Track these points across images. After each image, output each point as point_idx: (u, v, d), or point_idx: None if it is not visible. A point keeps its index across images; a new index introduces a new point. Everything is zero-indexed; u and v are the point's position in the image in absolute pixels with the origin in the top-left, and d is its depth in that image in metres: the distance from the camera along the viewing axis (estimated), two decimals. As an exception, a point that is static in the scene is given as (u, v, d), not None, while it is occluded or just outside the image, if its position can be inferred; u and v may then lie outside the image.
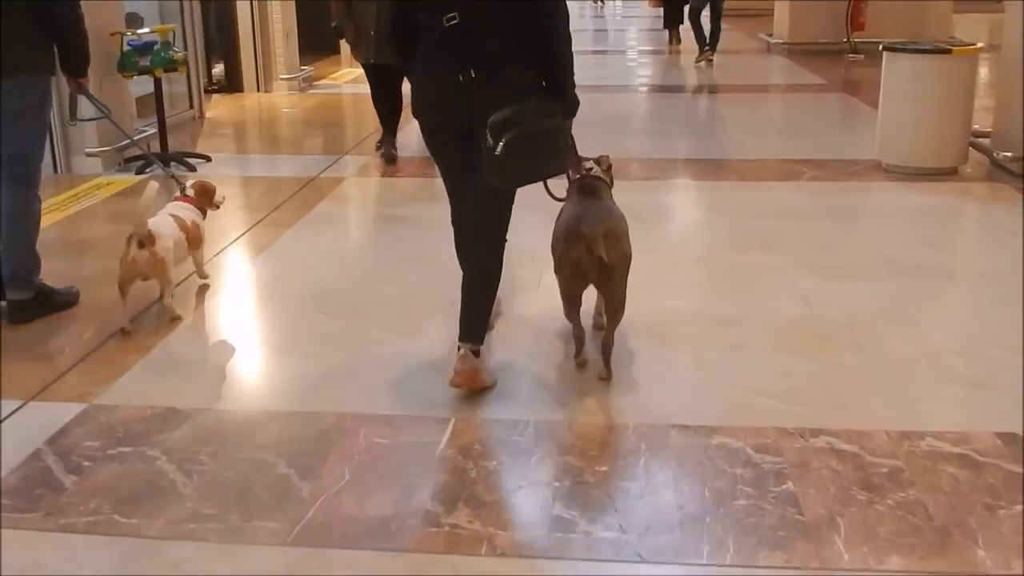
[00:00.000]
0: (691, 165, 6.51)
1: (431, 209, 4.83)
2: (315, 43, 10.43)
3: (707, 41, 11.60)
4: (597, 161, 3.44)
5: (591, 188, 3.33)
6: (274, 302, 4.09)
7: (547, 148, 3.02)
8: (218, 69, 9.88)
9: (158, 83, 6.41)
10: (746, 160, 6.52)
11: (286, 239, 4.85)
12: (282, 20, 9.87)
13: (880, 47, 6.41)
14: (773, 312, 3.74)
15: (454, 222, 3.37)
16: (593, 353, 3.30)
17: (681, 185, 6.15)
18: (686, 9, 12.19)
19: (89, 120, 5.33)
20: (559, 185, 3.33)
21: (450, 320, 3.19)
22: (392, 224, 5.20)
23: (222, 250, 4.65)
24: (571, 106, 3.11)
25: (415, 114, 3.19)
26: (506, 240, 3.18)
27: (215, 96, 9.50)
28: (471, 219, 3.20)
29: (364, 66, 6.57)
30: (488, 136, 2.85)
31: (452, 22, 2.92)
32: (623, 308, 3.17)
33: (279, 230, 4.98)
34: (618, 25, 20.08)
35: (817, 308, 3.77)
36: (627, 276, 3.13)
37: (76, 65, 3.81)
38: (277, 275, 4.42)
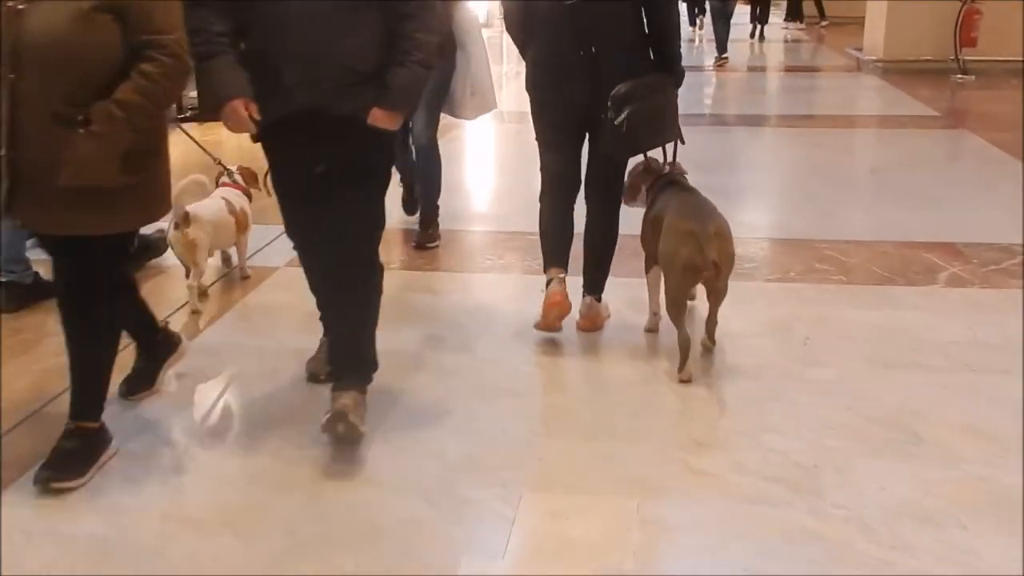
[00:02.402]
0: (772, 248, 4.60)
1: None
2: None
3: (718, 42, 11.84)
4: (670, 165, 3.53)
5: (682, 183, 3.44)
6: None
7: (663, 119, 3.30)
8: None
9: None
10: (850, 242, 4.59)
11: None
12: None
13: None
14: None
15: (545, 196, 3.53)
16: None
17: (759, 292, 4.24)
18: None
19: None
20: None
21: None
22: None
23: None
24: (679, 79, 3.35)
25: (530, 87, 3.40)
26: (621, 202, 3.50)
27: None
28: (568, 191, 3.47)
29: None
30: (610, 109, 3.11)
31: (573, 1, 3.13)
32: (725, 294, 3.25)
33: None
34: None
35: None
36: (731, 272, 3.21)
37: None
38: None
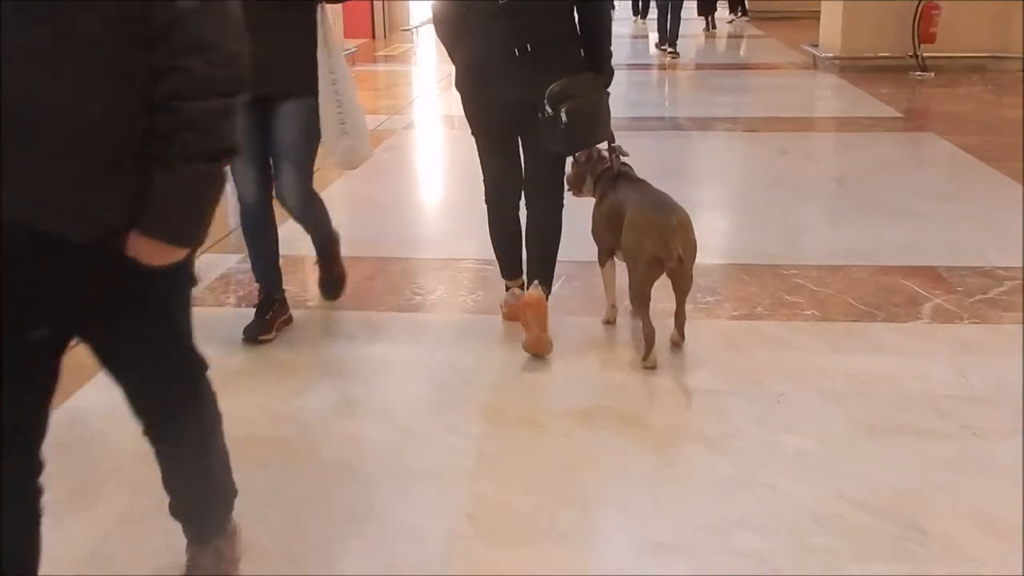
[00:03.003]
0: (735, 276, 4.12)
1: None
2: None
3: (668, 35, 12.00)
4: (610, 150, 3.47)
5: (633, 176, 3.45)
6: None
7: (599, 116, 3.25)
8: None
9: None
10: (821, 268, 4.12)
11: None
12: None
13: None
14: None
15: (490, 200, 3.50)
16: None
17: (724, 334, 3.76)
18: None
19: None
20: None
21: None
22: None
23: None
24: (608, 77, 3.29)
25: (462, 89, 3.32)
26: (563, 198, 3.43)
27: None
28: (512, 193, 3.44)
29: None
30: (547, 106, 3.06)
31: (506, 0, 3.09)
32: (691, 286, 3.27)
33: None
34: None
35: None
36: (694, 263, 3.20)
37: None
38: None
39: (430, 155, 7.54)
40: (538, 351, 3.26)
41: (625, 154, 3.51)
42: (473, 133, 3.42)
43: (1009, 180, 5.68)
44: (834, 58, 10.53)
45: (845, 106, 8.66)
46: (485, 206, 3.52)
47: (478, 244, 4.46)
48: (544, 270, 3.40)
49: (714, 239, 4.60)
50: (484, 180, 3.49)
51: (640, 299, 3.17)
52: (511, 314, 3.50)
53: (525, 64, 3.11)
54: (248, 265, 3.65)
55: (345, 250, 4.15)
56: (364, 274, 4.21)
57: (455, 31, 3.28)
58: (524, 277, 3.49)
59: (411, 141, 7.57)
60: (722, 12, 16.71)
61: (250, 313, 3.53)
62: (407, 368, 3.31)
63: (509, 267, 3.55)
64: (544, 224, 3.41)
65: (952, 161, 6.26)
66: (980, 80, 9.61)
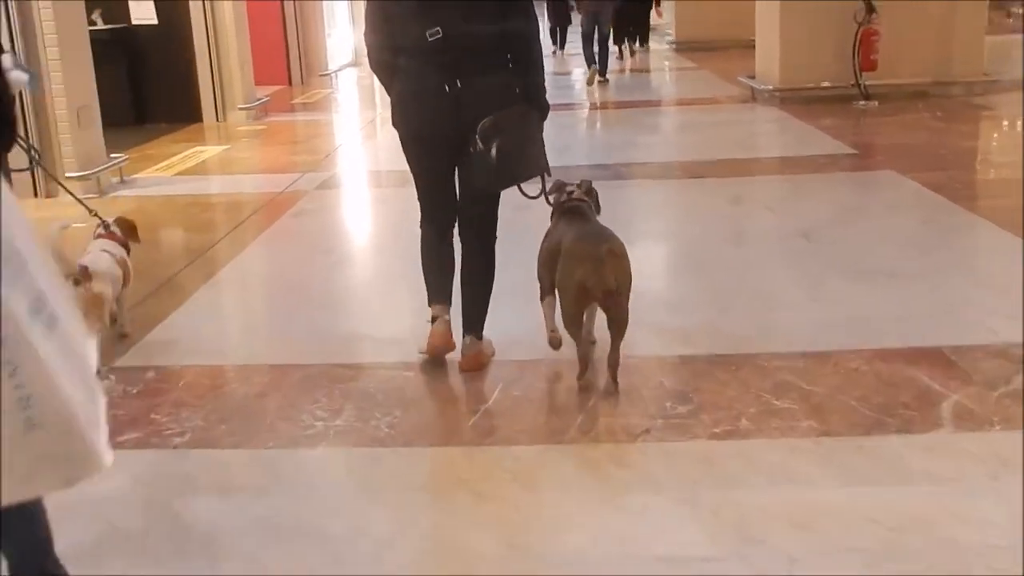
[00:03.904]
0: (708, 374, 3.40)
1: None
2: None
3: (598, 64, 12.22)
4: (578, 185, 3.50)
5: (580, 210, 3.41)
6: None
7: (532, 151, 3.27)
8: None
9: None
10: (808, 356, 3.43)
11: None
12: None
13: None
14: None
15: (424, 225, 3.52)
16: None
17: (706, 463, 3.03)
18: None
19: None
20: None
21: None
22: None
23: None
24: (544, 110, 3.34)
25: (397, 125, 3.36)
26: (496, 237, 3.45)
27: None
28: (445, 223, 3.47)
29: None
30: (478, 141, 3.10)
31: (436, 36, 3.12)
32: (626, 324, 3.14)
33: None
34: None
35: None
36: (629, 295, 3.14)
37: None
38: None
39: (346, 219, 6.76)
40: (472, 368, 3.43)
41: (549, 175, 3.46)
42: (408, 163, 3.45)
43: (987, 223, 5.12)
44: (774, 90, 10.03)
45: (793, 143, 8.10)
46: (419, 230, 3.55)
47: (397, 340, 3.71)
48: (476, 317, 3.45)
49: (673, 319, 3.89)
50: (420, 208, 3.53)
51: (572, 325, 3.21)
52: (438, 344, 3.45)
53: (456, 99, 3.16)
54: None
55: (232, 358, 3.34)
56: (254, 390, 3.41)
57: (390, 69, 3.31)
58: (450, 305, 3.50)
59: (326, 203, 6.76)
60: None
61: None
62: (299, 539, 2.50)
63: (436, 293, 3.50)
64: (475, 266, 3.46)
65: (921, 203, 5.68)
66: (925, 107, 9.18)
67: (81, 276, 3.45)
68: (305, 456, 2.95)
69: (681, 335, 3.69)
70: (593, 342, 3.39)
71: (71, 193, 4.16)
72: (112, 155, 7.27)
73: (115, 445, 1.66)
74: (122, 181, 7.28)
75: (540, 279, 3.42)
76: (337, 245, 5.82)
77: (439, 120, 3.21)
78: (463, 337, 3.45)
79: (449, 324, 3.44)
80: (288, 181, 7.22)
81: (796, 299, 4.16)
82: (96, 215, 3.97)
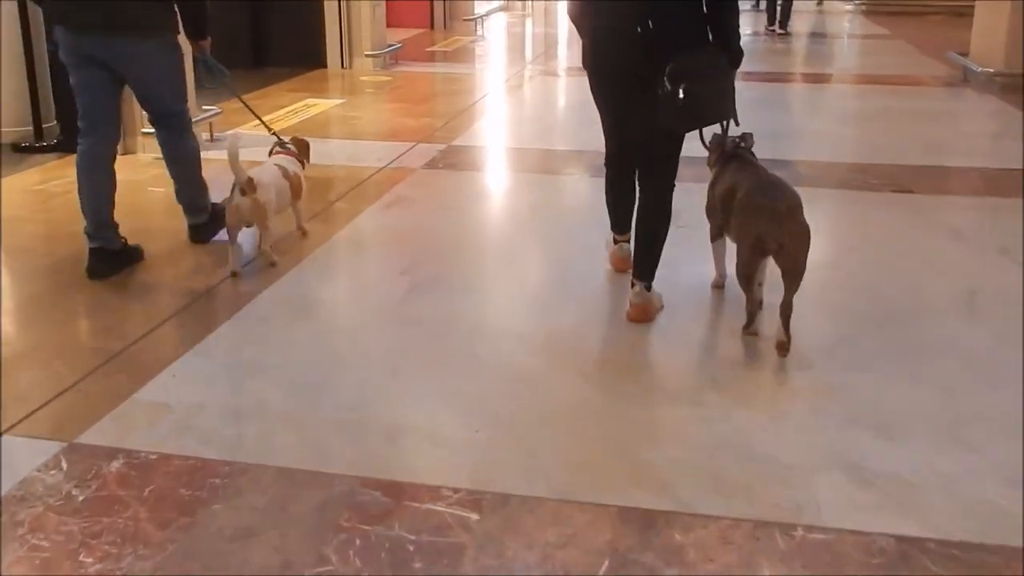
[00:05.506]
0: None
1: None
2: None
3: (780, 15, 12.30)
4: (742, 138, 3.55)
5: (750, 160, 3.47)
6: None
7: (719, 94, 3.26)
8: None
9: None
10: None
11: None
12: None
13: None
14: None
15: (607, 164, 3.74)
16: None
17: None
18: None
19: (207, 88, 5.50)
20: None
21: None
22: None
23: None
24: (736, 57, 3.26)
25: (586, 63, 3.49)
26: (674, 186, 3.44)
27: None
28: (628, 164, 3.59)
29: None
30: (666, 82, 3.09)
31: None
32: (802, 275, 3.14)
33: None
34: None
35: None
36: (807, 249, 3.11)
37: (197, 28, 4.07)
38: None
39: (453, 218, 5.00)
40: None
41: (737, 124, 3.43)
42: (595, 101, 3.57)
43: None
44: (994, 74, 8.27)
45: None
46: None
47: (477, 449, 2.61)
48: (647, 265, 3.46)
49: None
50: (605, 146, 3.70)
51: (745, 279, 3.22)
52: (618, 265, 3.88)
53: (647, 41, 3.16)
54: None
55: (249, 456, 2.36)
56: (296, 507, 2.36)
57: (583, 9, 3.43)
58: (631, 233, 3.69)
59: (433, 189, 5.51)
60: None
61: None
62: None
63: (618, 224, 3.85)
64: (651, 211, 3.45)
65: None
66: None
67: (247, 187, 3.83)
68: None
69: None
70: (721, 275, 3.68)
71: (251, 109, 4.77)
72: (205, 108, 6.38)
73: None
74: (212, 139, 6.38)
75: (710, 221, 3.61)
76: (423, 260, 4.25)
77: (629, 59, 3.26)
78: (631, 285, 3.51)
79: (628, 251, 3.73)
80: (395, 153, 6.15)
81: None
82: (274, 133, 4.56)
